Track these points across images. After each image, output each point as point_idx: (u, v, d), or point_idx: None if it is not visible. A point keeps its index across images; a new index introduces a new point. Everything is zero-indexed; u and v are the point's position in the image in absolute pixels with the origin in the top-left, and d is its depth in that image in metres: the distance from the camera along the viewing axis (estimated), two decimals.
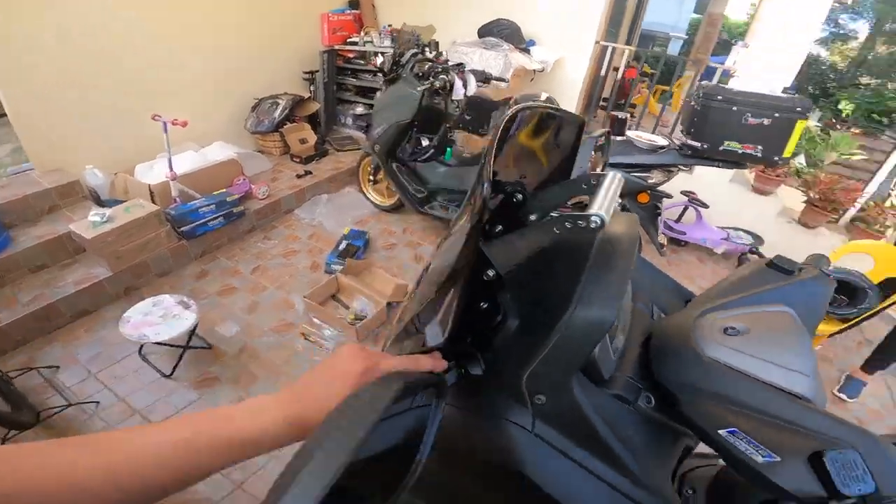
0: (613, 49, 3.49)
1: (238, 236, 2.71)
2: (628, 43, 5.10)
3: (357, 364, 0.41)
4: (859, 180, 4.82)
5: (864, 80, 8.26)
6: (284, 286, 2.35)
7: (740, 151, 1.82)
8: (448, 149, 2.57)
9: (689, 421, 0.52)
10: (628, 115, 2.29)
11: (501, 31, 3.32)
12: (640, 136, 2.17)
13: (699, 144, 1.87)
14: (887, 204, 3.44)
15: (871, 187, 4.87)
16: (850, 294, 1.95)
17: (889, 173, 5.20)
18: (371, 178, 2.91)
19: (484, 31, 3.40)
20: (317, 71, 3.80)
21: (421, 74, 2.39)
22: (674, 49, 8.77)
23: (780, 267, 0.72)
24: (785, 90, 3.16)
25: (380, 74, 2.89)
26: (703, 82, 2.03)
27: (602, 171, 2.42)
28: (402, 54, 2.46)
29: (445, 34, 3.46)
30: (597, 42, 3.29)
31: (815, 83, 8.85)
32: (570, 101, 3.51)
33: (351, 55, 3.91)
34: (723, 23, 7.57)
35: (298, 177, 3.18)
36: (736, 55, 3.17)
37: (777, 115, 1.72)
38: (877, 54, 8.26)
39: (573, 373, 0.50)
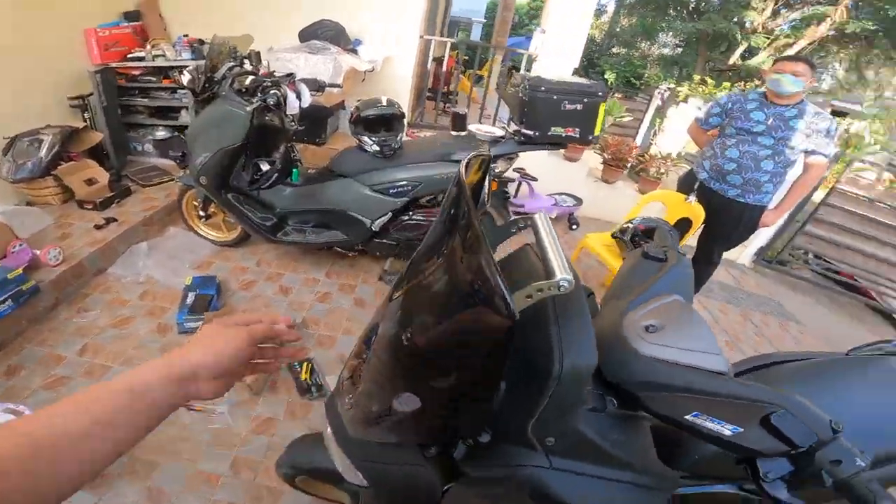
0: (434, 42, 3.63)
1: (40, 317, 2.06)
2: (441, 33, 5.38)
3: (240, 337, 0.52)
4: (630, 137, 6.07)
5: (615, 50, 10.30)
6: (132, 360, 1.90)
7: (564, 135, 2.10)
8: (294, 170, 2.34)
9: (655, 413, 0.59)
10: (467, 111, 2.41)
11: (326, 34, 3.16)
12: (480, 129, 2.32)
13: (532, 132, 2.10)
14: (652, 152, 4.39)
15: (638, 140, 6.13)
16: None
17: (647, 128, 6.67)
18: (201, 213, 2.49)
19: (306, 35, 3.19)
20: (90, 94, 3.04)
21: (245, 90, 2.11)
22: (476, 33, 9.61)
23: (653, 257, 0.86)
24: (575, 70, 3.74)
25: (186, 93, 2.48)
26: (523, 73, 2.25)
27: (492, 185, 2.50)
28: (216, 69, 2.13)
29: (259, 42, 3.18)
30: (421, 36, 3.37)
31: (583, 56, 10.72)
32: (401, 96, 3.55)
33: (137, 72, 3.23)
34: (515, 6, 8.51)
35: (98, 227, 2.51)
36: (538, 40, 3.59)
37: (586, 100, 2.03)
38: (622, 27, 10.37)
39: (575, 411, 0.54)
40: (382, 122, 2.21)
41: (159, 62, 3.19)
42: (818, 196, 4.08)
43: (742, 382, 0.56)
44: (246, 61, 2.32)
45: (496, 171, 2.29)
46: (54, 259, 2.22)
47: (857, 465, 0.50)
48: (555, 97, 2.01)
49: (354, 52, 3.26)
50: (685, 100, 6.26)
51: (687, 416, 0.54)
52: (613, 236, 2.56)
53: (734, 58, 7.98)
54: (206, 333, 0.52)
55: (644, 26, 7.95)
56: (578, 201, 3.82)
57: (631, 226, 2.47)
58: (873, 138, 8.06)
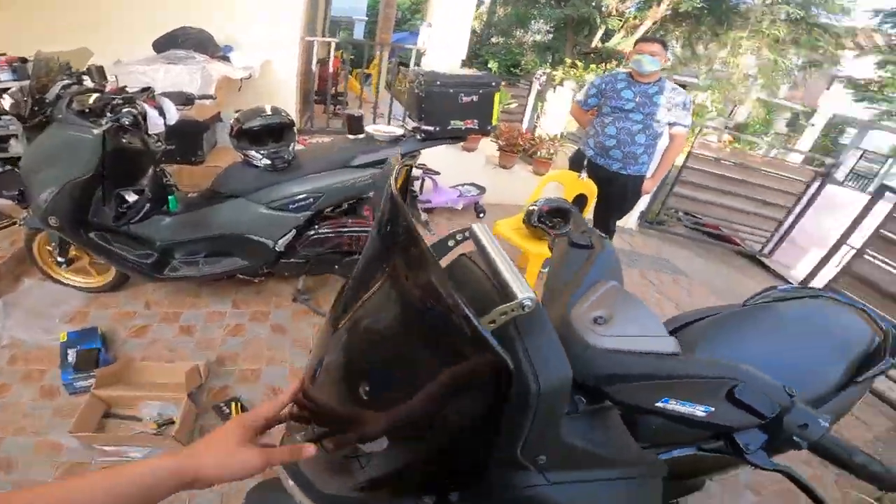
0: (317, 43, 3.41)
1: None
2: (322, 33, 5.11)
3: (256, 463, 0.51)
4: (518, 122, 6.38)
5: (494, 40, 10.75)
6: (25, 430, 1.57)
7: (463, 127, 2.11)
8: (170, 196, 2.02)
9: (625, 405, 0.59)
10: (362, 112, 2.29)
11: (188, 42, 2.80)
12: (378, 129, 2.23)
13: (432, 128, 2.07)
14: (537, 134, 4.66)
15: (525, 125, 6.46)
16: (564, 216, 2.58)
17: (531, 112, 7.07)
18: (59, 259, 2.06)
19: (164, 44, 2.81)
20: None
21: (89, 111, 1.76)
22: (359, 31, 9.38)
23: (579, 244, 0.88)
24: (463, 62, 3.80)
25: (12, 119, 2.03)
26: (416, 69, 2.21)
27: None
28: (46, 89, 1.76)
29: (102, 56, 2.75)
30: (302, 38, 3.15)
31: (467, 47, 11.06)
32: (286, 103, 3.30)
33: None
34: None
35: None
36: (425, 35, 3.57)
37: (481, 91, 2.05)
38: (500, 17, 10.83)
39: (559, 425, 0.52)
40: (269, 132, 2.00)
41: None
42: (679, 160, 4.67)
43: (698, 360, 0.58)
44: (86, 78, 1.96)
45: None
46: None
47: (823, 425, 0.53)
48: (451, 90, 2.00)
49: (226, 59, 2.96)
50: (561, 83, 6.73)
51: (658, 404, 0.54)
52: (524, 222, 2.68)
53: (595, 41, 8.75)
54: (223, 443, 0.51)
55: (518, 15, 8.39)
56: (482, 189, 3.91)
57: (536, 208, 2.57)
58: (714, 107, 9.44)
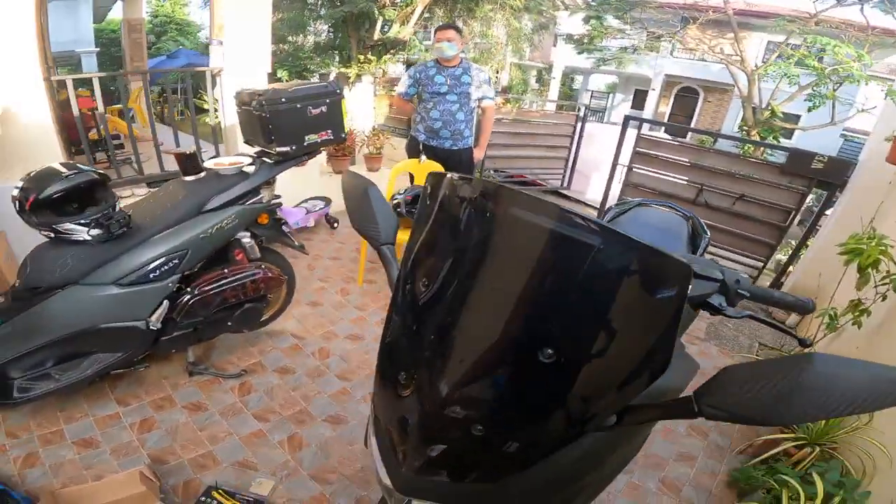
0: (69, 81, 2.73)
1: None
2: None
3: None
4: None
5: (273, 48, 10.03)
6: None
7: (319, 140, 2.06)
8: None
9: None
10: (194, 148, 2.00)
11: None
12: (220, 163, 2.01)
13: (288, 148, 1.96)
14: (352, 131, 4.74)
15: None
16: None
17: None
18: None
19: None
20: None
21: None
22: (90, 65, 7.71)
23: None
24: (269, 76, 3.58)
25: None
26: (248, 90, 2.04)
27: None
28: None
29: None
30: (46, 77, 2.50)
31: None
32: (49, 158, 2.60)
33: None
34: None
35: None
36: (217, 54, 3.22)
37: (329, 100, 2.02)
38: (273, 24, 10.03)
39: None
40: (77, 196, 1.59)
41: None
42: None
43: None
44: None
45: (263, 201, 2.06)
46: None
47: (746, 277, 0.75)
48: (298, 106, 1.92)
49: None
50: (358, 78, 6.83)
51: None
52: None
53: (377, 33, 9.02)
54: None
55: (292, 20, 8.05)
56: (328, 201, 3.84)
57: (401, 199, 2.72)
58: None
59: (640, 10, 11.27)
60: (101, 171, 1.66)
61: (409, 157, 3.20)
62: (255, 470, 1.68)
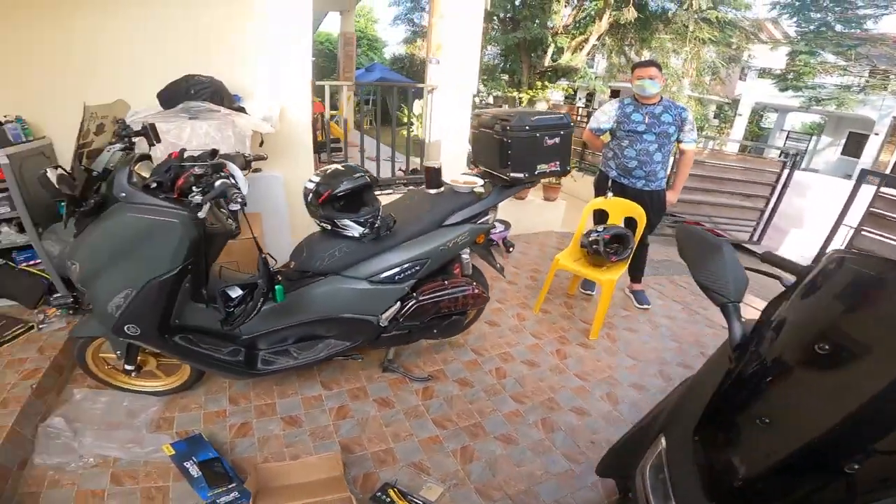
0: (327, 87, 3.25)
1: None
2: None
3: None
4: None
5: None
6: None
7: (548, 170, 2.08)
8: (278, 287, 1.70)
9: None
10: (440, 164, 2.17)
11: (202, 92, 2.40)
12: (456, 181, 2.11)
13: (521, 174, 2.01)
14: None
15: None
16: (622, 242, 2.61)
17: None
18: (128, 367, 1.73)
19: (172, 96, 2.39)
20: None
21: (157, 185, 1.46)
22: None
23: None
24: (476, 94, 3.80)
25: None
26: (490, 111, 2.15)
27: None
28: (101, 155, 1.47)
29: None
30: (313, 81, 3.00)
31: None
32: (303, 155, 3.09)
33: None
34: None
35: None
36: (433, 71, 3.52)
37: (562, 132, 2.02)
38: None
39: None
40: (358, 196, 1.81)
41: None
42: None
43: None
44: (136, 139, 1.63)
45: (489, 221, 2.15)
46: None
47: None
48: (537, 135, 1.95)
49: (242, 109, 2.72)
50: (530, 103, 6.92)
51: None
52: (583, 246, 2.64)
53: (547, 59, 9.14)
54: None
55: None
56: (507, 225, 3.89)
57: (598, 237, 2.58)
58: None
59: (870, 47, 9.48)
60: (372, 175, 1.86)
61: (595, 194, 3.08)
62: (427, 474, 1.72)
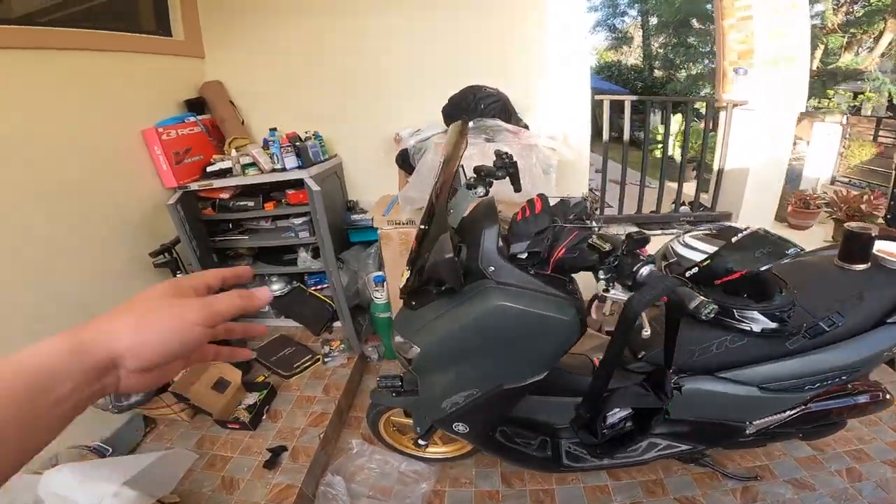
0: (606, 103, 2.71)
1: None
2: None
3: (194, 314, 0.35)
4: None
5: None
6: None
7: None
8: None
9: None
10: (873, 229, 1.44)
11: (492, 106, 2.07)
12: (885, 249, 1.37)
13: None
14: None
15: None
16: None
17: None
18: (421, 442, 1.51)
19: (455, 109, 2.11)
20: (174, 242, 2.06)
21: (538, 257, 1.09)
22: None
23: None
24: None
25: (303, 223, 1.55)
26: None
27: None
28: (454, 198, 1.22)
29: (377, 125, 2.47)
30: (593, 96, 2.53)
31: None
32: (582, 186, 2.63)
33: (227, 195, 2.24)
34: None
35: (268, 465, 1.63)
36: (740, 85, 2.74)
37: None
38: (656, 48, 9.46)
39: None
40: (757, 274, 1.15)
41: (252, 175, 2.15)
42: None
43: None
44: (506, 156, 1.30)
45: None
46: None
47: None
48: None
49: (527, 128, 2.32)
50: (820, 118, 5.40)
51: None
52: None
53: (815, 62, 7.30)
54: (142, 302, 0.35)
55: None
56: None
57: None
58: None
59: None
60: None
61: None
62: None
